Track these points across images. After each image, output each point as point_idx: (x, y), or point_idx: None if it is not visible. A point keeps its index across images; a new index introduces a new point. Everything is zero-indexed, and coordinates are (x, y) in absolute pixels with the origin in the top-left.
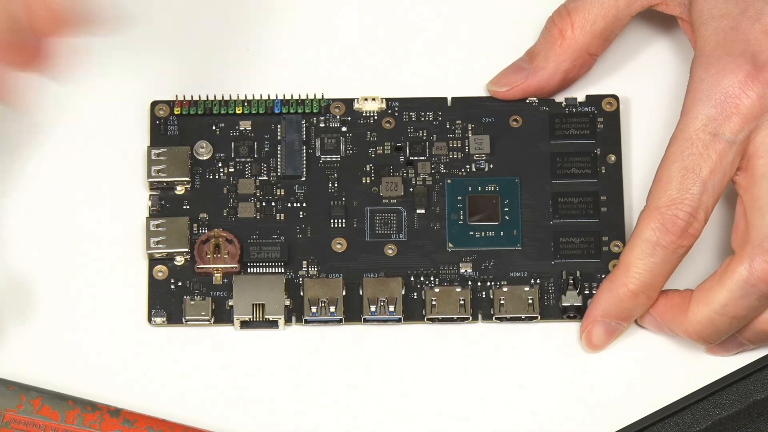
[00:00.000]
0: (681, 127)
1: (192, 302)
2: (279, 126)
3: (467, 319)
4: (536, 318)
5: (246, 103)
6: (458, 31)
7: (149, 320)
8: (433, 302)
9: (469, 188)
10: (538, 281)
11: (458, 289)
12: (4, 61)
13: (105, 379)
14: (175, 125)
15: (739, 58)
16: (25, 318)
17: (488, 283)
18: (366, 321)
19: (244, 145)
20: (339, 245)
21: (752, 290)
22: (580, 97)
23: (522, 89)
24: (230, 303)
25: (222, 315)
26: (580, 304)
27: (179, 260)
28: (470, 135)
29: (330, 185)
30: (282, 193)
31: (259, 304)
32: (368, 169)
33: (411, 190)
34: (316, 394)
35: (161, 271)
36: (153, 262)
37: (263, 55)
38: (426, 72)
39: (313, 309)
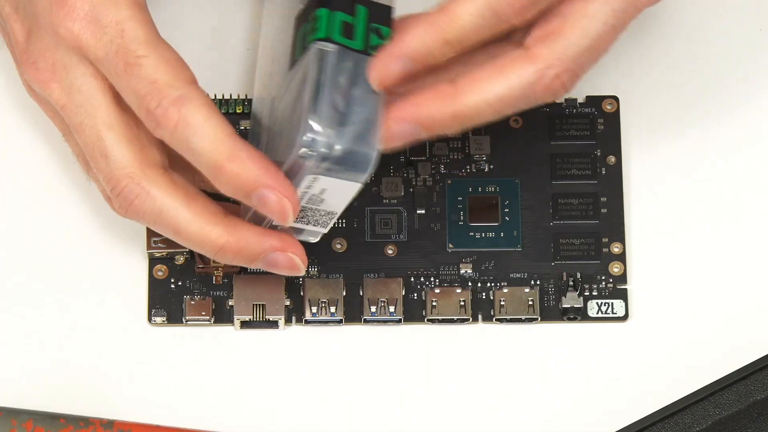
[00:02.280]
0: None
1: (192, 302)
2: None
3: (467, 320)
4: (536, 319)
5: (246, 103)
6: None
7: (149, 320)
8: (434, 303)
9: (470, 189)
10: (538, 282)
11: (458, 290)
12: None
13: (105, 379)
14: None
15: None
16: (24, 317)
17: (488, 284)
18: (366, 321)
19: None
20: (339, 245)
21: (530, 94)
22: (581, 98)
23: None
24: (230, 303)
25: (222, 315)
26: (580, 306)
27: (179, 260)
28: (470, 135)
29: None
30: None
31: (259, 304)
32: None
33: (411, 190)
34: (316, 394)
35: (161, 270)
36: (153, 261)
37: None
38: None
39: (314, 309)
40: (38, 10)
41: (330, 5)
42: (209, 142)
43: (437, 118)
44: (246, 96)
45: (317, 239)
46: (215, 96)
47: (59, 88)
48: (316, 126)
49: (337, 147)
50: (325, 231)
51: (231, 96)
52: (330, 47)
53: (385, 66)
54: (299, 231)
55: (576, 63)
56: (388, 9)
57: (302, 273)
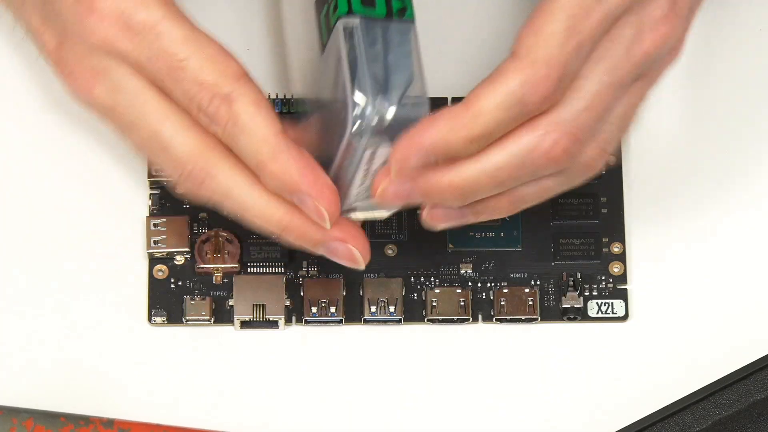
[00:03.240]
0: None
1: (192, 302)
2: None
3: (467, 320)
4: (536, 319)
5: None
6: (459, 32)
7: (149, 320)
8: (434, 303)
9: None
10: (538, 282)
11: (458, 290)
12: None
13: (105, 379)
14: None
15: None
16: (24, 317)
17: (488, 284)
18: (366, 321)
19: None
20: None
21: (530, 163)
22: None
23: None
24: (230, 303)
25: (222, 315)
26: (580, 306)
27: (179, 260)
28: None
29: None
30: None
31: (259, 304)
32: None
33: None
34: (316, 394)
35: (161, 270)
36: (153, 261)
37: (263, 55)
38: (426, 72)
39: (314, 309)
40: (66, 19)
41: None
42: (254, 141)
43: (433, 184)
44: None
45: (390, 214)
46: None
47: (103, 92)
48: (361, 100)
49: (389, 113)
50: (395, 208)
51: None
52: (354, 21)
53: (406, 158)
54: (368, 209)
55: (575, 126)
56: None
57: (362, 267)
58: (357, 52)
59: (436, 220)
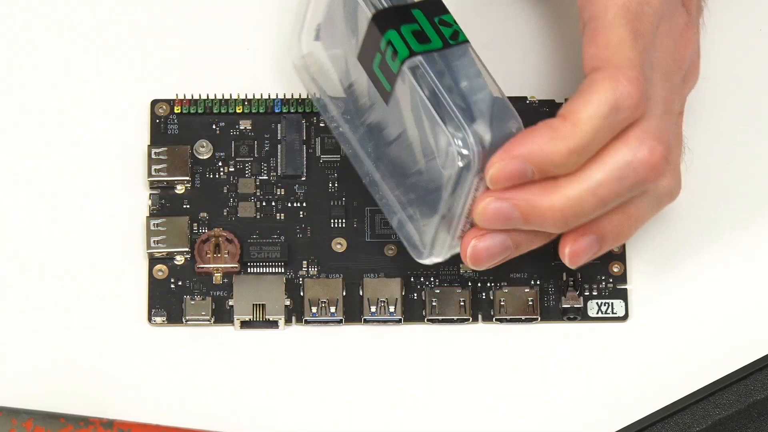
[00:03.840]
0: None
1: (192, 302)
2: (279, 126)
3: (467, 320)
4: (536, 319)
5: (246, 103)
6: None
7: (149, 320)
8: (434, 303)
9: None
10: (538, 282)
11: (458, 290)
12: None
13: (105, 379)
14: (176, 124)
15: None
16: (24, 317)
17: (488, 284)
18: (366, 321)
19: (244, 144)
20: (339, 245)
21: (632, 174)
22: None
23: None
24: (230, 303)
25: (222, 315)
26: (580, 306)
27: (179, 260)
28: None
29: (330, 185)
30: (282, 193)
31: (259, 304)
32: None
33: None
34: (316, 394)
35: (161, 270)
36: (153, 261)
37: (263, 55)
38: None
39: (313, 309)
40: None
41: (393, 24)
42: None
43: (535, 205)
44: (246, 96)
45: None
46: (215, 95)
47: None
48: (458, 134)
49: (486, 136)
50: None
51: (231, 96)
52: (418, 59)
53: (502, 167)
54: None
55: (662, 131)
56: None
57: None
58: (432, 90)
59: (478, 257)
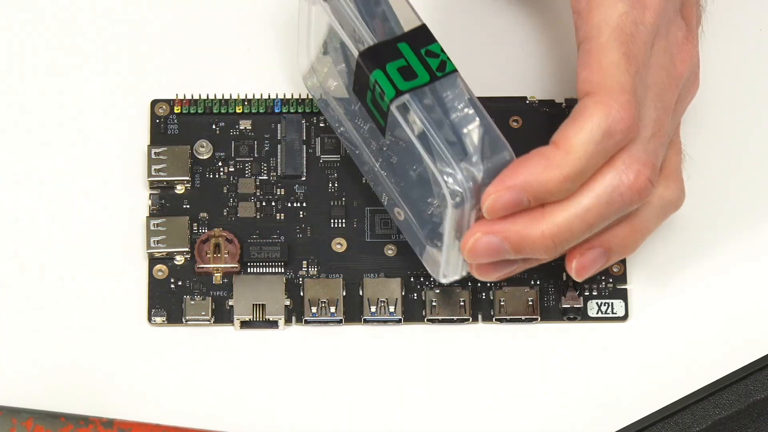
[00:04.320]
0: (603, 17)
1: (192, 302)
2: (279, 126)
3: (467, 320)
4: (536, 319)
5: (246, 103)
6: (458, 32)
7: (149, 320)
8: (433, 303)
9: None
10: (538, 282)
11: (458, 290)
12: None
13: (105, 379)
14: (176, 124)
15: None
16: (24, 317)
17: (488, 284)
18: (366, 321)
19: (244, 144)
20: (339, 245)
21: (618, 198)
22: None
23: None
24: (230, 303)
25: (222, 315)
26: (580, 306)
27: (179, 260)
28: None
29: (330, 185)
30: (282, 193)
31: (259, 304)
32: None
33: None
34: (316, 394)
35: (161, 270)
36: (153, 261)
37: (263, 55)
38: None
39: (313, 309)
40: None
41: (378, 63)
42: None
43: (524, 235)
44: (246, 96)
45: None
46: (215, 95)
47: None
48: (447, 171)
49: (477, 171)
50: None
51: (231, 96)
52: (405, 98)
53: (498, 197)
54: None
55: (648, 154)
56: (422, 28)
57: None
58: (423, 128)
59: (486, 272)
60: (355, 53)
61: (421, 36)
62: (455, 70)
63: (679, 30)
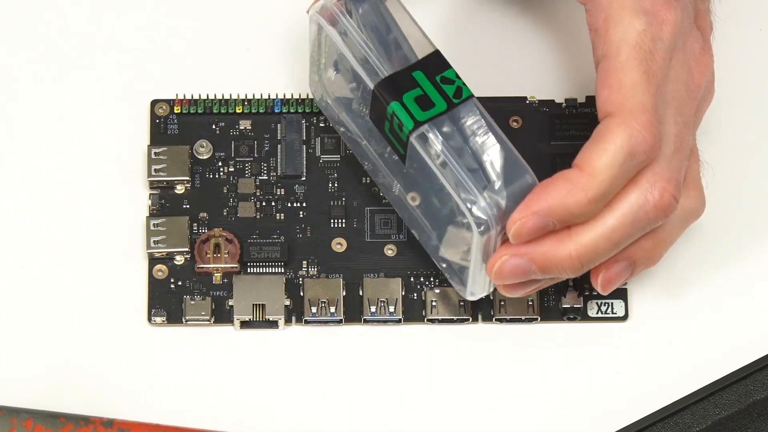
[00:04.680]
0: (621, 36)
1: (192, 302)
2: (279, 126)
3: (467, 320)
4: (536, 319)
5: (246, 103)
6: (457, 32)
7: (149, 320)
8: (433, 303)
9: None
10: None
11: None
12: None
13: (105, 379)
14: (175, 124)
15: None
16: (24, 317)
17: None
18: (366, 321)
19: (244, 144)
20: (339, 245)
21: (643, 217)
22: (580, 98)
23: None
24: (230, 303)
25: (222, 315)
26: (580, 306)
27: (179, 260)
28: None
29: (330, 185)
30: (282, 193)
31: (259, 304)
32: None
33: None
34: (316, 394)
35: (161, 270)
36: (153, 261)
37: (263, 55)
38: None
39: (313, 309)
40: None
41: (395, 94)
42: None
43: (551, 257)
44: (246, 96)
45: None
46: (215, 95)
47: None
48: (470, 199)
49: (501, 198)
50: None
51: (231, 96)
52: (424, 128)
53: (524, 223)
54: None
55: (672, 170)
56: (435, 54)
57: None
58: (444, 158)
59: (512, 291)
60: (370, 83)
61: (436, 63)
62: (471, 96)
63: (695, 42)
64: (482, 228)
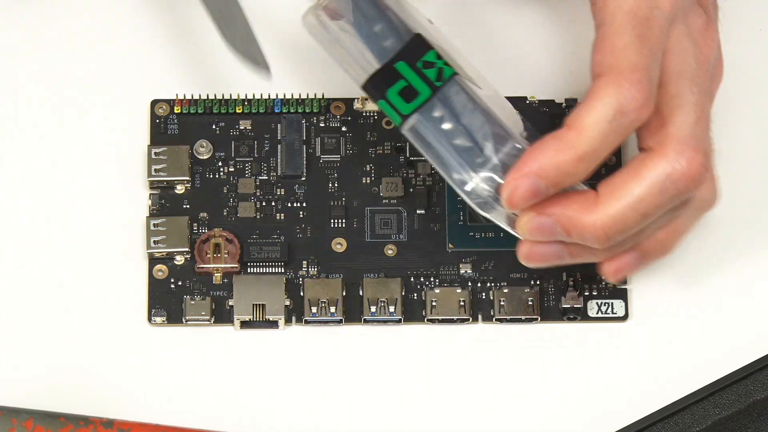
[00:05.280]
0: (618, 4)
1: (192, 302)
2: (279, 126)
3: (467, 320)
4: (536, 319)
5: (246, 103)
6: (458, 32)
7: (149, 320)
8: (433, 303)
9: None
10: (538, 282)
11: (458, 290)
12: None
13: (105, 379)
14: (175, 124)
15: None
16: (24, 317)
17: (488, 284)
18: (366, 321)
19: (244, 144)
20: (339, 245)
21: (672, 186)
22: (580, 98)
23: None
24: (230, 303)
25: (222, 315)
26: (580, 306)
27: (179, 260)
28: None
29: (330, 185)
30: (282, 193)
31: (259, 304)
32: (368, 169)
33: (411, 190)
34: (316, 394)
35: (161, 270)
36: (153, 261)
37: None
38: None
39: (313, 309)
40: None
41: (379, 92)
42: None
43: (576, 222)
44: (246, 96)
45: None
46: (215, 95)
47: None
48: (466, 183)
49: (494, 173)
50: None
51: (231, 96)
52: (412, 121)
53: (515, 187)
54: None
55: (698, 140)
56: (416, 38)
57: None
58: (433, 144)
59: (533, 259)
60: (357, 83)
61: (417, 47)
62: (454, 74)
63: (698, 17)
64: (483, 205)
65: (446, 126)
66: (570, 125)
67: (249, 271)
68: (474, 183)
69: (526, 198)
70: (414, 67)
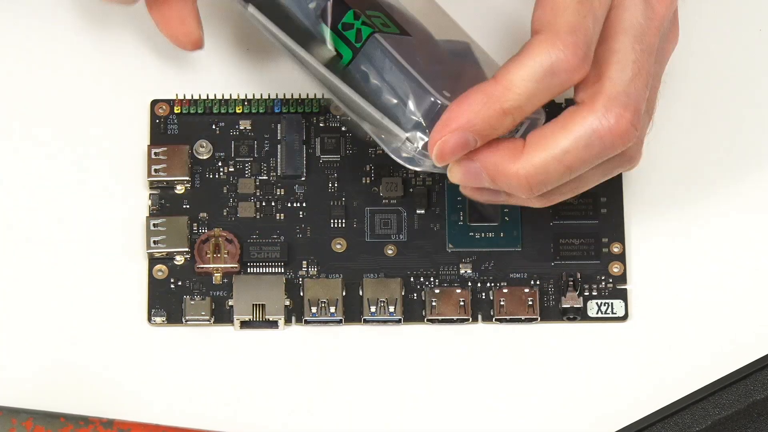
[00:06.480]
0: None
1: (192, 302)
2: (279, 126)
3: (467, 320)
4: (536, 319)
5: (246, 103)
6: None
7: (149, 320)
8: (433, 303)
9: None
10: (537, 282)
11: (458, 290)
12: None
13: (105, 379)
14: (175, 124)
15: None
16: (24, 317)
17: (488, 284)
18: (366, 321)
19: (244, 144)
20: (339, 245)
21: (598, 142)
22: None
23: None
24: (230, 303)
25: (222, 315)
26: (580, 306)
27: (179, 260)
28: None
29: (330, 185)
30: (282, 193)
31: (259, 304)
32: (368, 169)
33: (411, 190)
34: (316, 394)
35: (161, 270)
36: (153, 261)
37: (263, 55)
38: None
39: (313, 309)
40: None
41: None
42: None
43: (501, 169)
44: (246, 96)
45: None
46: (215, 95)
47: None
48: (394, 143)
49: (421, 133)
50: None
51: (231, 96)
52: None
53: (445, 141)
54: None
55: (630, 97)
56: (335, 2)
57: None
58: (361, 103)
59: (471, 192)
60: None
61: (337, 10)
62: (372, 32)
63: None
64: (411, 161)
65: (373, 84)
66: (498, 79)
67: (249, 271)
68: (401, 140)
69: (455, 152)
70: (336, 30)
